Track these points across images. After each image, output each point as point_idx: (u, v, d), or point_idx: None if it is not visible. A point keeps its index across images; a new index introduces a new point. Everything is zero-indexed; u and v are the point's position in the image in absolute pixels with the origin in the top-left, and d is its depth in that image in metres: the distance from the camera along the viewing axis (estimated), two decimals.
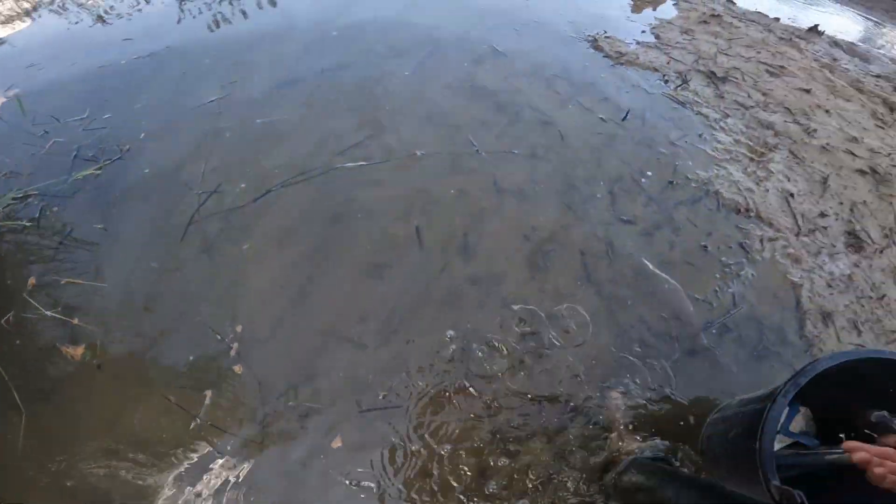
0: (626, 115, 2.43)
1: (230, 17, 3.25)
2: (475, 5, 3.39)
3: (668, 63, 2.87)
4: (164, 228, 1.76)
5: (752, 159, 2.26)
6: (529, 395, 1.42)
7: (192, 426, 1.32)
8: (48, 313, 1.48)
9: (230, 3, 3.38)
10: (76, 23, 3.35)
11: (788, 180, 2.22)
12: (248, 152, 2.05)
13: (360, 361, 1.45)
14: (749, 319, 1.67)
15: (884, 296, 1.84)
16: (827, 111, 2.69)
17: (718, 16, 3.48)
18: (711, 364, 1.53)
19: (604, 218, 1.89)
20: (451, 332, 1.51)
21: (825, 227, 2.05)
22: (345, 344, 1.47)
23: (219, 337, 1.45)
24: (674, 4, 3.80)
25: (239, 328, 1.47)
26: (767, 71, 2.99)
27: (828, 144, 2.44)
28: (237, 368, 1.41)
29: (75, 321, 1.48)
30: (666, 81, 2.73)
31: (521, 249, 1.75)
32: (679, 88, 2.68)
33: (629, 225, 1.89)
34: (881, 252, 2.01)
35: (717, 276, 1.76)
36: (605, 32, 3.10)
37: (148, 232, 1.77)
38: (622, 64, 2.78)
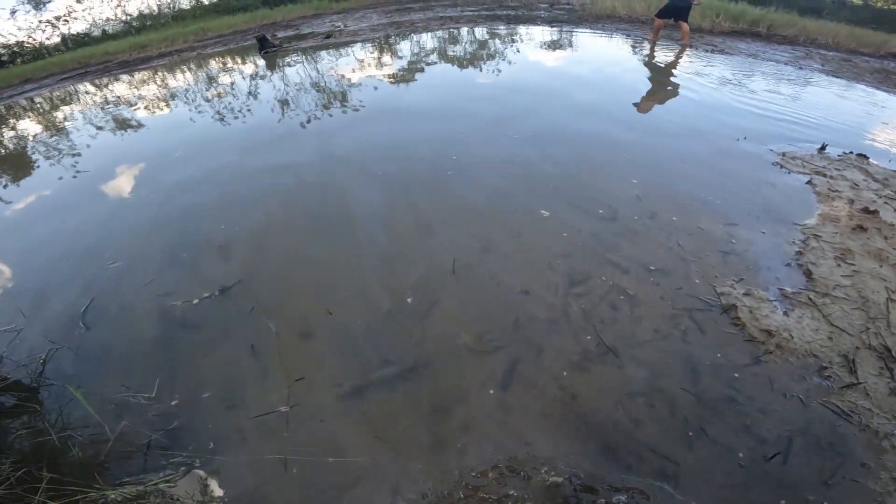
0: (774, 455, 1.83)
1: (309, 252, 2.73)
2: (577, 245, 2.62)
3: (829, 338, 2.16)
4: None
5: None
6: None
7: None
8: None
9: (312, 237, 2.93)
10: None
11: None
12: None
13: None
14: None
15: None
16: None
17: (874, 212, 2.65)
18: None
19: None
20: None
21: None
22: None
23: None
24: (806, 183, 3.02)
25: None
26: None
27: None
28: None
29: None
30: (828, 377, 2.01)
31: None
32: (845, 389, 2.00)
33: None
34: None
35: None
36: (742, 284, 2.27)
37: None
38: (771, 353, 2.02)
